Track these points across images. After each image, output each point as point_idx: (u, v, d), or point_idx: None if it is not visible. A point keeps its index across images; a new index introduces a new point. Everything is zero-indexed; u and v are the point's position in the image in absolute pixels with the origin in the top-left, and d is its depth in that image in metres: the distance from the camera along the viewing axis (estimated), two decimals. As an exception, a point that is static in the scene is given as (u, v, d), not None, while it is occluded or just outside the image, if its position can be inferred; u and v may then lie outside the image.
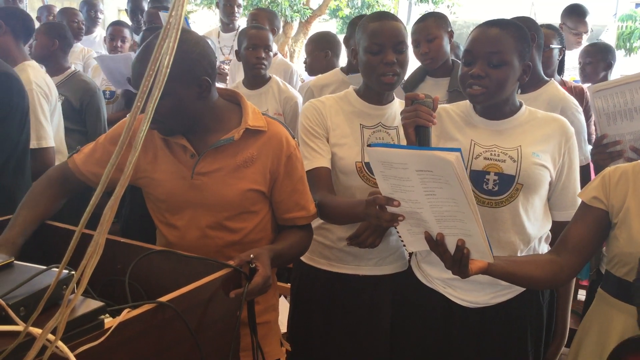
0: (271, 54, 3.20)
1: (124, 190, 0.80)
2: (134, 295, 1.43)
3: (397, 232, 1.57)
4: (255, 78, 3.22)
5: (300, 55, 11.91)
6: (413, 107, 1.68)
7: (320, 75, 3.29)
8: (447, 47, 2.89)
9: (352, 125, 2.00)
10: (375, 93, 2.01)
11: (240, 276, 1.46)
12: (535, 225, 1.80)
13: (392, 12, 12.10)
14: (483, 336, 1.86)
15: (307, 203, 1.76)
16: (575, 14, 4.07)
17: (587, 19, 4.12)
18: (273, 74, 3.37)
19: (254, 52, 3.11)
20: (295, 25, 12.39)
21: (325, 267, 2.11)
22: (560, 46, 2.90)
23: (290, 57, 11.67)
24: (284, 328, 2.32)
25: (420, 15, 3.07)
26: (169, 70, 0.73)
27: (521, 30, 1.75)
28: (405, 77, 3.02)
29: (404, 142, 1.95)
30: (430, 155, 1.38)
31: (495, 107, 1.80)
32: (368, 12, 12.77)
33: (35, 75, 2.78)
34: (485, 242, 1.46)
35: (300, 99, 3.26)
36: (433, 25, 2.86)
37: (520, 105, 1.84)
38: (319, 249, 2.10)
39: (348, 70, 3.09)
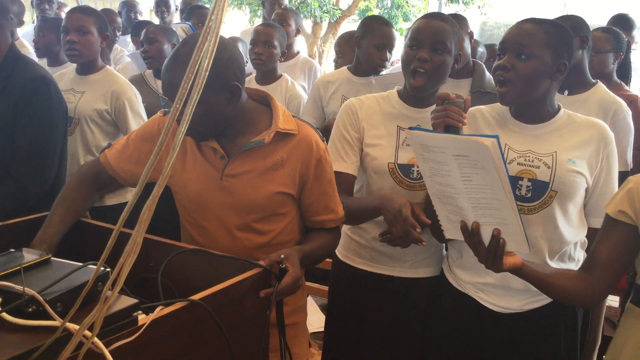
0: (275, 50, 3.27)
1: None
2: (165, 292, 1.45)
3: (437, 215, 1.57)
4: (264, 74, 3.33)
5: (329, 55, 11.93)
6: (443, 107, 1.67)
7: (327, 73, 3.35)
8: (468, 49, 2.89)
9: (389, 126, 2.01)
10: (413, 96, 1.99)
11: (270, 276, 1.48)
12: (569, 231, 1.78)
13: (421, 12, 12.06)
14: (514, 343, 1.85)
15: (335, 206, 1.77)
16: (622, 25, 3.97)
17: (635, 33, 4.03)
18: (296, 72, 3.42)
19: (253, 48, 3.25)
20: (325, 25, 12.40)
21: (360, 266, 2.12)
22: (617, 51, 2.86)
23: (319, 58, 11.69)
24: (312, 329, 2.33)
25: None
26: (207, 73, 0.74)
27: (558, 28, 1.73)
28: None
29: None
30: (467, 140, 1.39)
31: (530, 109, 1.78)
32: (398, 12, 12.73)
33: (125, 78, 2.93)
34: (521, 231, 1.45)
35: (305, 99, 3.33)
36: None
37: (559, 108, 1.81)
38: (355, 247, 2.11)
39: (355, 69, 3.12)
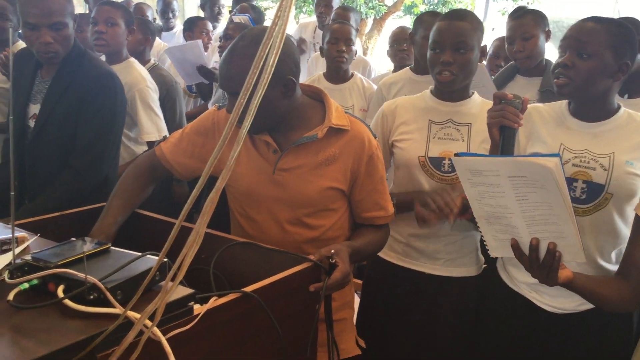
0: (353, 48, 3.22)
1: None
2: (216, 284, 1.48)
3: (482, 235, 1.56)
4: (338, 73, 3.26)
5: (374, 52, 11.88)
6: (500, 106, 1.66)
7: (390, 75, 3.31)
8: (543, 47, 2.82)
9: (421, 120, 2.04)
10: (445, 91, 2.03)
11: (319, 271, 1.49)
12: (625, 232, 1.73)
13: (469, 8, 11.90)
14: (567, 343, 1.83)
15: (386, 203, 1.77)
16: None
17: None
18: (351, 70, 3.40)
19: (335, 46, 3.15)
20: (370, 22, 12.35)
21: (393, 260, 2.14)
22: None
23: (363, 54, 11.64)
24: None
25: (516, 9, 2.99)
26: (273, 69, 0.75)
27: (622, 28, 1.69)
28: (496, 75, 2.99)
29: (474, 138, 1.99)
30: (526, 163, 1.36)
31: (589, 107, 1.75)
32: (444, 9, 12.59)
33: (144, 71, 3.00)
34: (579, 241, 1.43)
35: None
36: (530, 23, 2.79)
37: (619, 107, 1.77)
38: (389, 242, 2.11)
39: (416, 68, 3.09)
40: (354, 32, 3.22)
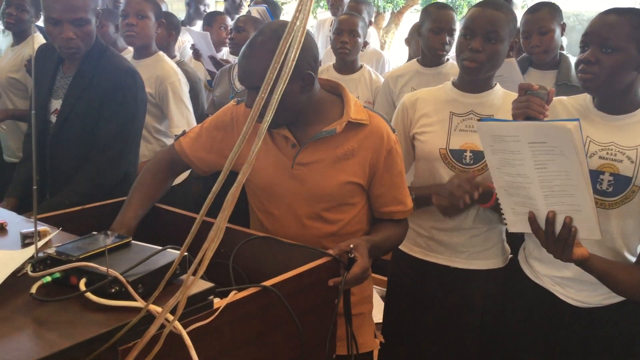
0: (359, 40, 3.22)
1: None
2: (235, 278, 1.49)
3: (501, 208, 1.55)
4: (345, 64, 3.28)
5: (391, 46, 11.84)
6: (525, 97, 1.64)
7: (396, 67, 3.31)
8: (559, 40, 2.80)
9: (441, 112, 2.02)
10: (467, 81, 2.01)
11: (338, 265, 1.49)
12: None
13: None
14: (591, 337, 1.81)
15: (405, 198, 1.76)
16: None
17: None
18: (365, 63, 3.40)
19: (338, 37, 3.18)
20: (387, 16, 12.31)
21: (417, 255, 2.13)
22: None
23: (380, 48, 11.60)
24: (376, 319, 2.34)
25: (532, 5, 2.96)
26: (294, 64, 0.74)
27: None
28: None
29: None
30: (546, 126, 1.38)
31: (614, 100, 1.73)
32: (463, 2, 12.51)
33: (175, 65, 3.03)
34: (595, 216, 1.44)
35: None
36: (547, 17, 2.77)
37: None
38: (412, 236, 2.11)
39: (423, 60, 3.07)
40: (361, 23, 3.22)
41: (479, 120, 1.49)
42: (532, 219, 1.49)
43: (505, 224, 1.60)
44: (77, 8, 2.14)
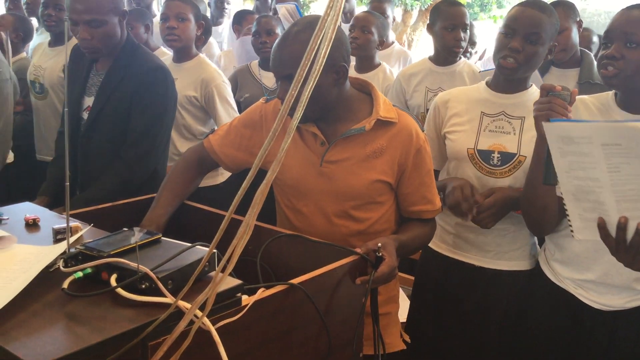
0: (372, 37, 3.22)
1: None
2: (262, 275, 1.49)
3: (567, 214, 1.51)
4: (363, 62, 3.30)
5: (419, 44, 11.77)
6: (547, 98, 1.62)
7: (409, 65, 3.29)
8: (576, 38, 2.78)
9: (472, 112, 2.01)
10: (502, 81, 1.99)
11: (366, 264, 1.48)
12: None
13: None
14: (614, 340, 1.78)
15: (433, 197, 1.75)
16: None
17: None
18: (391, 62, 3.40)
19: (350, 33, 3.21)
20: (415, 13, 12.24)
21: (444, 252, 2.12)
22: None
23: (408, 46, 11.54)
24: (402, 319, 2.33)
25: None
26: (325, 60, 0.74)
27: None
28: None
29: (527, 132, 1.94)
30: (622, 127, 1.32)
31: (637, 98, 1.69)
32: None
33: (216, 67, 3.06)
34: None
35: None
36: (561, 16, 2.73)
37: None
38: (439, 232, 2.10)
39: (436, 59, 3.05)
40: (376, 21, 3.23)
41: (547, 121, 1.43)
42: (602, 225, 1.43)
43: (572, 232, 1.55)
44: (91, 10, 2.16)
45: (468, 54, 4.05)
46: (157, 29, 3.56)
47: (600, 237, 1.45)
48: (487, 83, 2.04)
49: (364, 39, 3.20)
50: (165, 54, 3.39)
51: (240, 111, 3.30)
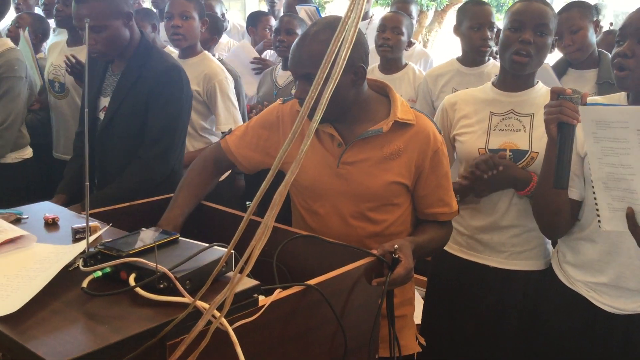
0: (402, 38, 3.20)
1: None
2: (279, 276, 1.49)
3: (596, 204, 1.49)
4: (389, 63, 3.27)
5: (434, 44, 11.73)
6: (558, 102, 1.60)
7: (435, 66, 3.26)
8: (593, 38, 2.77)
9: (481, 112, 2.01)
10: (509, 80, 1.98)
11: (382, 266, 1.48)
12: None
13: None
14: (628, 344, 1.76)
15: (450, 199, 1.75)
16: None
17: None
18: (412, 63, 3.37)
19: (381, 34, 3.17)
20: (430, 14, 12.19)
21: (457, 253, 2.12)
22: None
23: (423, 46, 11.50)
24: (417, 321, 2.33)
25: (563, 5, 2.93)
26: (345, 62, 0.74)
27: None
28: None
29: (537, 128, 1.94)
30: None
31: None
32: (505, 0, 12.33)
33: (220, 63, 3.07)
34: None
35: None
36: (577, 16, 2.74)
37: None
38: (453, 234, 2.09)
39: (463, 60, 3.03)
40: (405, 22, 3.20)
41: (582, 104, 1.42)
42: (630, 215, 1.42)
43: (599, 222, 1.53)
44: (89, 16, 2.17)
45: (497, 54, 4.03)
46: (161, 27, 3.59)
47: (628, 227, 1.43)
48: (492, 83, 2.04)
49: (396, 39, 3.16)
50: (171, 53, 3.41)
51: (243, 109, 3.32)
